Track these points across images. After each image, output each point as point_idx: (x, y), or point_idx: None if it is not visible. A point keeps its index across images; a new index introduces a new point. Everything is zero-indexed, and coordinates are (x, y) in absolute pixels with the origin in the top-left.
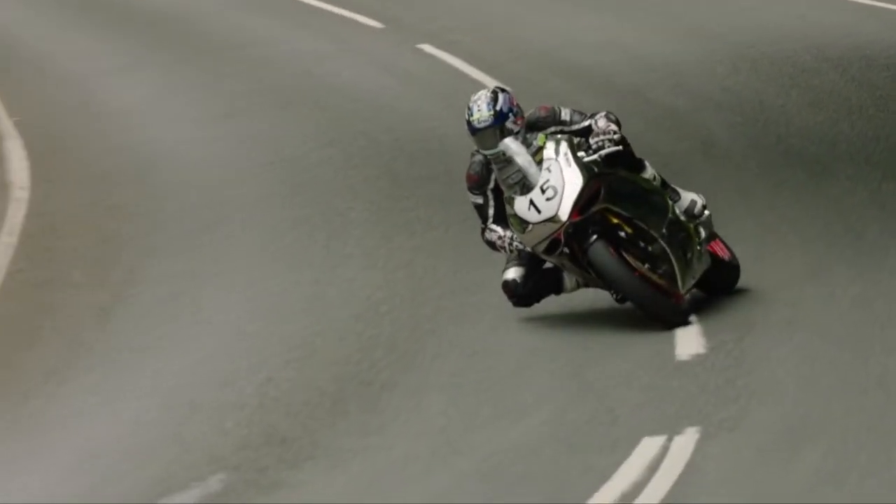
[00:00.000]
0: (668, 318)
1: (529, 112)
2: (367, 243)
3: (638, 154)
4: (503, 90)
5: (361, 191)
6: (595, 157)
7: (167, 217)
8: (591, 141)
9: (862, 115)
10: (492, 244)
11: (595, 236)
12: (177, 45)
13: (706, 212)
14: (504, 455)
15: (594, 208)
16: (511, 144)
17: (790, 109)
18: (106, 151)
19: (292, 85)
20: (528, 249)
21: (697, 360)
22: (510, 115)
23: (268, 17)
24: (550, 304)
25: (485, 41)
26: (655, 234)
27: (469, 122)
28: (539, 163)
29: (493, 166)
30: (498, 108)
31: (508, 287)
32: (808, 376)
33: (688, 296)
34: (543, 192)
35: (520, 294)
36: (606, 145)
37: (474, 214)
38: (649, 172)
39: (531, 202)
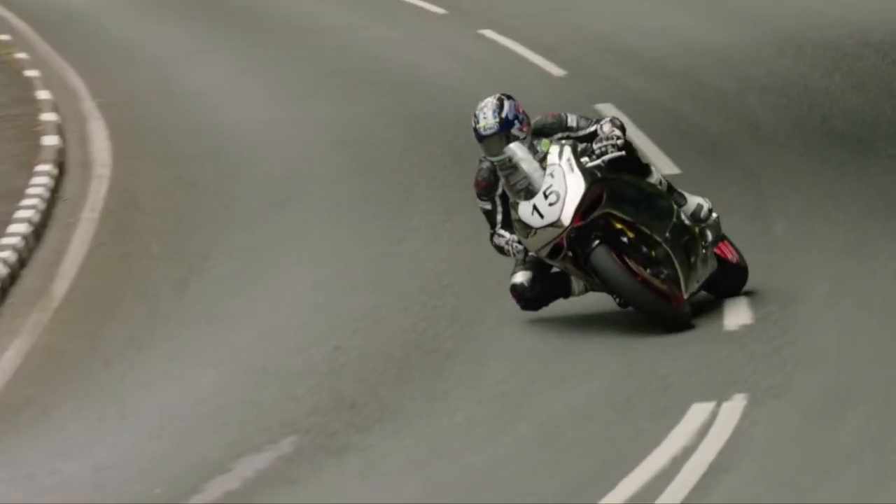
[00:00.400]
0: (670, 322)
1: (536, 118)
2: (431, 218)
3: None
4: (509, 97)
5: (426, 168)
6: (598, 162)
7: (241, 194)
8: (595, 146)
9: None
10: (500, 249)
11: (597, 241)
12: (251, 31)
13: (714, 215)
14: (561, 420)
15: (596, 213)
16: (517, 150)
17: (833, 92)
18: (184, 131)
19: (360, 69)
20: (532, 254)
21: (745, 330)
22: (516, 121)
23: (337, 4)
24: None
25: (543, 26)
26: (659, 239)
27: (476, 130)
28: (544, 168)
29: (500, 173)
30: (503, 115)
31: (516, 291)
32: (851, 345)
33: (692, 298)
34: (546, 197)
35: (528, 298)
36: (610, 150)
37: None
38: (655, 177)
39: (534, 207)
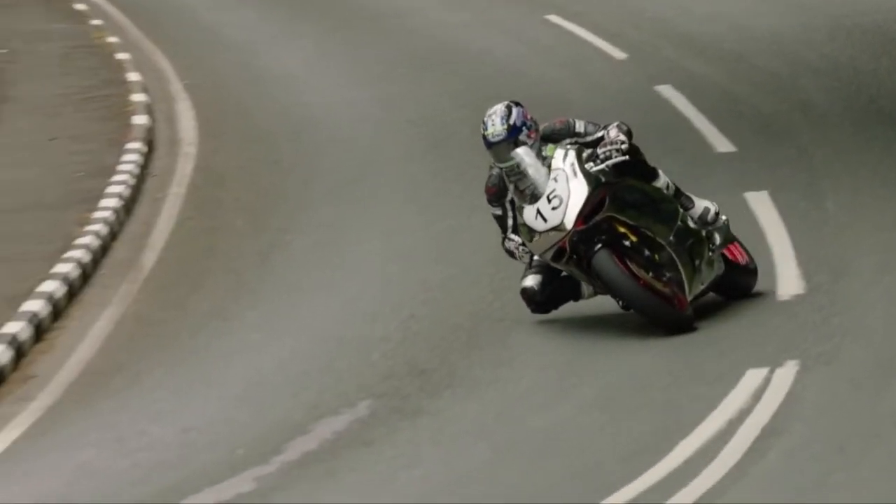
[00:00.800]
0: (672, 325)
1: (545, 125)
2: None
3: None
4: (517, 104)
5: None
6: (602, 166)
7: (320, 171)
8: (599, 151)
9: None
10: (511, 253)
11: (599, 245)
12: (330, 16)
13: (723, 217)
14: (621, 386)
15: (599, 217)
16: (524, 156)
17: (881, 74)
18: (266, 112)
19: (431, 52)
20: (537, 257)
21: (797, 300)
22: (523, 128)
23: None
24: None
25: (606, 12)
26: (662, 242)
27: (484, 137)
28: (548, 173)
29: (509, 179)
30: (511, 122)
31: (527, 294)
32: None
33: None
34: (549, 201)
35: (537, 301)
36: (614, 155)
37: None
38: (662, 181)
39: (538, 211)
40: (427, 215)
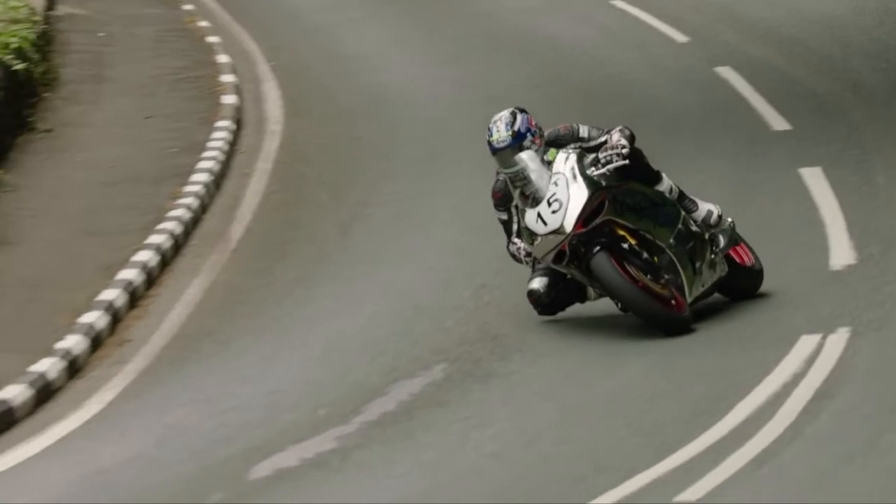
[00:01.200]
0: (670, 327)
1: (549, 130)
2: None
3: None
4: (522, 111)
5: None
6: (603, 170)
7: (397, 147)
8: (600, 155)
9: None
10: (515, 257)
11: (598, 248)
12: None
13: (728, 219)
14: (682, 350)
15: (598, 220)
16: (528, 161)
17: None
18: (347, 91)
19: (503, 34)
20: (539, 259)
21: (848, 269)
22: (528, 134)
23: None
24: None
25: None
26: (662, 244)
27: (489, 143)
28: (551, 177)
29: (514, 185)
30: (516, 128)
31: (533, 297)
32: None
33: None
34: (550, 205)
35: (543, 303)
36: (614, 160)
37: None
38: (665, 185)
39: (538, 215)
40: None
